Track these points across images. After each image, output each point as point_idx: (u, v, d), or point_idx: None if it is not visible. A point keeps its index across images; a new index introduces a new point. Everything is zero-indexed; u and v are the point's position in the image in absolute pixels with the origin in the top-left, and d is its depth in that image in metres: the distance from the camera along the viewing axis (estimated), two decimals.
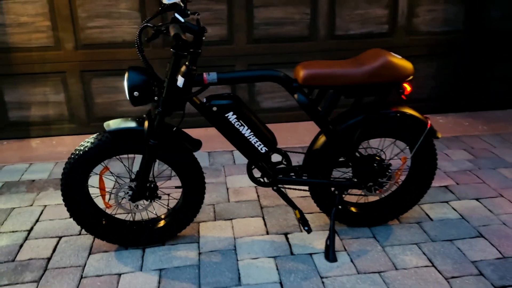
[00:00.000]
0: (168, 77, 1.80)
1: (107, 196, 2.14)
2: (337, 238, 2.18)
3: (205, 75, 1.83)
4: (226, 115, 1.88)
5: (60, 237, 2.22)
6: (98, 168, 2.04)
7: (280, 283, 1.89)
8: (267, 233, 2.23)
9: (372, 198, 2.36)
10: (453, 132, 3.43)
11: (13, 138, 3.40)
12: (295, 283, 1.88)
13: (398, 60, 1.85)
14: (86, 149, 1.88)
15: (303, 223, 2.06)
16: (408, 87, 1.95)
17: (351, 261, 2.02)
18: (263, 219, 2.35)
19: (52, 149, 3.24)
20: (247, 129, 1.92)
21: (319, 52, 3.47)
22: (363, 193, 2.17)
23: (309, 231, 2.07)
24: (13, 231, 2.28)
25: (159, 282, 1.90)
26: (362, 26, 3.47)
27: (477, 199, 2.50)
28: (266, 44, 3.40)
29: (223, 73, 1.84)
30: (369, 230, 2.23)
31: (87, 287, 1.89)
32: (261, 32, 3.38)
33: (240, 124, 1.90)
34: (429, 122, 2.04)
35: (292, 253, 2.07)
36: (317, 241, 2.15)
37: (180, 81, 1.81)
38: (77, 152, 1.89)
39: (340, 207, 2.10)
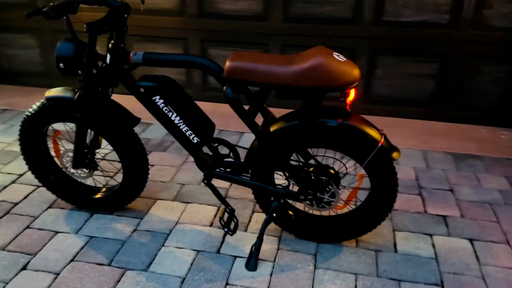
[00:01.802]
0: (86, 53, 1.79)
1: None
2: (273, 246, 2.01)
3: (131, 54, 1.78)
4: (153, 98, 1.82)
5: (38, 187, 2.44)
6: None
7: (184, 279, 1.83)
8: (211, 225, 2.15)
9: (327, 212, 2.12)
10: (510, 152, 2.83)
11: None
12: (197, 283, 1.80)
13: (336, 63, 1.56)
14: (33, 111, 2.01)
15: (225, 224, 1.93)
16: (351, 95, 1.65)
17: (270, 274, 1.85)
18: (218, 209, 2.27)
19: None
20: (176, 116, 1.84)
21: (361, 39, 3.10)
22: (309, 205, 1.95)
23: (231, 233, 1.94)
24: (9, 173, 2.57)
25: (81, 248, 1.99)
26: (417, 13, 2.99)
27: (470, 240, 2.06)
28: (303, 24, 3.16)
29: (150, 53, 1.77)
30: (315, 246, 2.01)
31: (25, 237, 2.06)
32: (298, 10, 3.14)
33: (168, 110, 1.83)
34: (382, 139, 1.71)
35: (218, 251, 1.98)
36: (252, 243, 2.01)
37: (108, 57, 1.79)
38: (27, 113, 2.03)
39: (274, 215, 1.92)
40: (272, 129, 1.79)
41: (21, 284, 1.79)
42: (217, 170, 1.95)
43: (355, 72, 1.59)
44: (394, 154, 1.72)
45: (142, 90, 1.82)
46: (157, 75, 1.85)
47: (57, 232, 2.09)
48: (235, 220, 1.99)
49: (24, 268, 1.88)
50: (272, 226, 2.13)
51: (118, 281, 1.81)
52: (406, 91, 3.21)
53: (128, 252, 1.97)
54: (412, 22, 3.01)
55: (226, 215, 2.16)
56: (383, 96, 3.26)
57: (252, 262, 1.88)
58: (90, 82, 1.83)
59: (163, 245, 2.01)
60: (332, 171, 1.87)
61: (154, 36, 3.42)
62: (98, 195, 2.20)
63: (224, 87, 1.73)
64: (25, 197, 2.35)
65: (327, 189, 1.83)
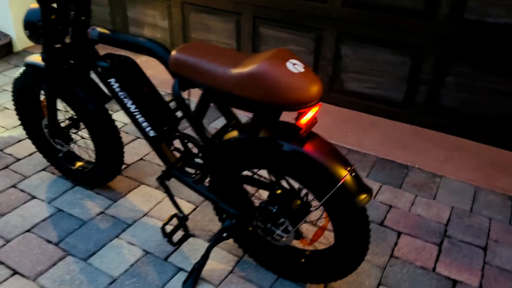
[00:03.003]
0: (42, 23, 1.65)
1: None
2: (225, 267, 1.75)
3: (89, 29, 1.61)
4: (108, 80, 1.64)
5: None
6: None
7: (114, 281, 1.68)
8: None
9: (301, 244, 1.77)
10: None
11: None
12: None
13: (284, 74, 1.20)
14: (18, 76, 1.97)
15: (169, 233, 1.70)
16: (306, 117, 1.28)
17: None
18: (194, 210, 2.06)
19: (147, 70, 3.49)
20: (132, 104, 1.64)
21: (431, 38, 2.54)
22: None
23: (173, 245, 1.71)
24: None
25: (42, 220, 1.96)
26: (508, 13, 2.32)
27: None
28: (366, 11, 2.68)
29: (106, 31, 1.58)
30: (273, 281, 1.70)
31: (5, 195, 2.09)
32: None
33: (124, 96, 1.64)
34: (346, 176, 1.31)
35: (166, 258, 1.79)
36: (210, 259, 1.78)
37: (69, 31, 1.65)
38: (16, 75, 2.01)
39: (225, 235, 1.65)
40: (225, 137, 1.51)
41: None
42: (177, 171, 1.72)
43: (312, 89, 1.22)
44: (361, 198, 1.32)
45: (99, 69, 1.65)
46: (121, 55, 1.66)
47: (33, 198, 2.09)
48: (186, 231, 1.76)
49: None
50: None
51: (54, 265, 1.74)
52: (481, 108, 2.58)
53: (81, 236, 1.88)
54: (500, 25, 2.35)
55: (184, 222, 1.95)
56: (451, 110, 2.67)
57: (190, 281, 1.65)
58: (50, 55, 1.71)
59: (117, 237, 1.89)
60: (298, 201, 1.52)
61: (210, 7, 3.22)
62: (79, 167, 2.14)
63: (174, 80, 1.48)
64: (29, 155, 2.40)
65: (280, 221, 1.50)
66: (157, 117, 1.65)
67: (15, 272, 1.70)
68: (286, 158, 1.37)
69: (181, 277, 1.71)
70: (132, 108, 1.65)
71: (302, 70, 1.23)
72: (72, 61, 1.77)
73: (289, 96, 1.20)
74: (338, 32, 2.81)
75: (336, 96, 3.00)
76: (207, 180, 1.67)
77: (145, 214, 2.01)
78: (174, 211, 2.03)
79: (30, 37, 1.73)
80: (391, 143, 2.63)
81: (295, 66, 1.23)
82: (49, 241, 1.85)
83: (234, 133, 1.48)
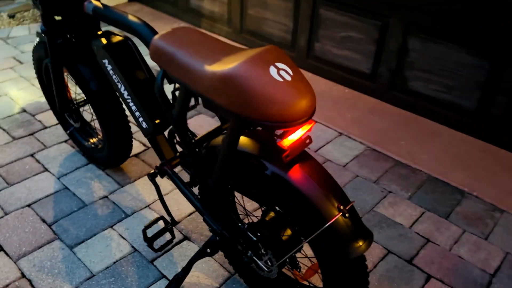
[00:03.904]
0: None
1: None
2: (211, 283, 1.55)
3: (86, 2, 1.43)
4: (103, 61, 1.47)
5: None
6: None
7: (90, 277, 1.56)
8: (175, 225, 1.79)
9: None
10: None
11: (188, 22, 3.66)
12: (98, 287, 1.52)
13: (263, 82, 0.92)
14: (34, 45, 1.88)
15: (150, 237, 1.48)
16: (290, 138, 1.00)
17: None
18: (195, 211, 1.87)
19: None
20: (124, 90, 1.46)
21: None
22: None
23: (154, 250, 1.50)
24: None
25: (46, 196, 1.89)
26: None
27: None
28: (443, 0, 2.24)
29: (101, 6, 1.39)
30: None
31: (20, 163, 2.07)
32: None
33: (117, 80, 1.46)
34: (337, 217, 1.02)
35: (152, 261, 1.63)
36: (199, 271, 1.60)
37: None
38: (34, 44, 1.92)
39: (208, 250, 1.43)
40: (212, 143, 1.27)
41: None
42: (170, 169, 1.53)
43: (299, 103, 0.93)
44: (355, 245, 1.03)
45: (94, 48, 1.49)
46: (119, 35, 1.48)
47: (45, 170, 2.04)
48: (172, 237, 1.58)
49: None
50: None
51: (39, 248, 1.66)
52: None
53: (76, 219, 1.79)
54: None
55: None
56: None
57: None
58: (50, 27, 1.57)
59: (111, 227, 1.76)
60: (289, 230, 1.26)
61: None
62: (92, 144, 2.04)
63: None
64: (56, 124, 2.36)
65: (261, 251, 1.25)
66: (150, 108, 1.46)
67: (1, 249, 1.65)
68: (267, 181, 1.11)
69: (161, 285, 1.54)
70: (125, 94, 1.48)
71: (288, 78, 0.95)
72: (72, 36, 1.63)
73: (266, 110, 0.93)
74: (408, 21, 2.40)
75: (396, 95, 2.60)
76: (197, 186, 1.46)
77: (147, 206, 1.87)
78: (176, 207, 1.86)
79: (34, 4, 1.61)
80: (450, 160, 2.21)
81: (280, 72, 0.95)
82: (43, 221, 1.77)
83: (219, 139, 1.25)
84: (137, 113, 1.48)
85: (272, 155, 1.10)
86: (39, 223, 1.76)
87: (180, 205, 1.87)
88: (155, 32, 1.29)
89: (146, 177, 2.02)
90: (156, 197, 1.91)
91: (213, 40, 1.14)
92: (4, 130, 2.30)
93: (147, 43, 1.27)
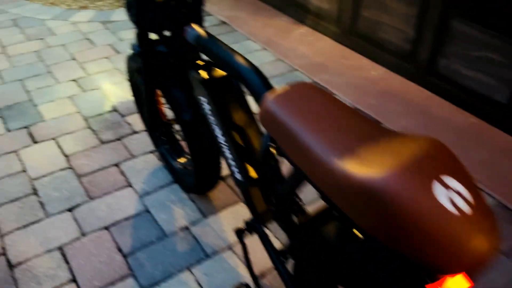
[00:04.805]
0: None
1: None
2: None
3: (188, 27, 1.19)
4: (199, 97, 1.23)
5: None
6: None
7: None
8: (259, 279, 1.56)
9: None
10: None
11: (291, 16, 3.35)
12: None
13: (431, 214, 0.61)
14: (128, 55, 1.70)
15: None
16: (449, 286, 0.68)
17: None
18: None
19: (300, 46, 3.03)
20: (221, 135, 1.22)
21: None
22: None
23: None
24: None
25: (127, 217, 1.75)
26: None
27: None
28: None
29: (206, 36, 1.14)
30: None
31: (105, 174, 1.95)
32: None
33: (214, 122, 1.22)
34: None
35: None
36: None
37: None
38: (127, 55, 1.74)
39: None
40: (321, 228, 0.99)
41: (48, 227, 1.71)
42: (261, 227, 1.29)
43: (477, 248, 0.62)
44: None
45: (191, 79, 1.26)
46: (223, 75, 1.22)
47: (129, 186, 1.91)
48: None
49: (70, 209, 1.78)
50: None
51: (111, 284, 1.52)
52: None
53: (153, 254, 1.63)
54: None
55: None
56: None
57: None
58: (145, 46, 1.36)
59: (189, 269, 1.58)
60: None
61: None
62: (179, 164, 1.86)
63: None
64: (144, 130, 2.22)
65: None
66: (250, 163, 1.21)
67: (73, 280, 1.53)
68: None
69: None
70: (221, 139, 1.24)
71: (466, 208, 0.63)
72: (168, 58, 1.41)
73: (425, 249, 0.63)
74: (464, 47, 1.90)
75: None
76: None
77: (230, 248, 1.65)
78: (262, 254, 1.63)
79: (130, 18, 1.41)
80: None
81: (449, 192, 0.64)
82: (120, 250, 1.64)
83: (333, 228, 0.96)
84: (232, 162, 1.24)
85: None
86: (115, 253, 1.62)
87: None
88: (268, 85, 1.01)
89: (231, 208, 1.80)
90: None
91: (343, 110, 0.85)
92: (93, 131, 2.21)
93: (256, 97, 1.01)
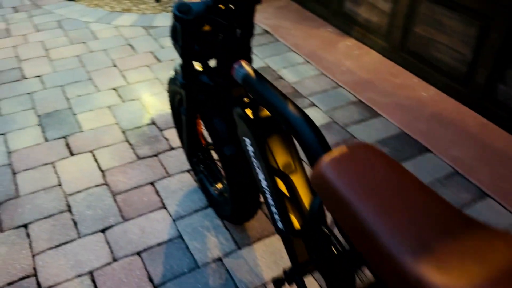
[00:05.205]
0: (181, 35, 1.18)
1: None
2: None
3: (236, 64, 1.10)
4: (243, 137, 1.14)
5: None
6: None
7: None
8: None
9: None
10: None
11: (337, 27, 3.22)
12: None
13: None
14: (170, 77, 1.63)
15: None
16: None
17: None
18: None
19: (345, 60, 2.90)
20: (264, 180, 1.13)
21: None
22: None
23: None
24: None
25: (160, 243, 1.69)
26: None
27: None
28: None
29: (255, 76, 1.05)
30: None
31: (140, 193, 1.90)
32: None
33: (257, 166, 1.13)
34: None
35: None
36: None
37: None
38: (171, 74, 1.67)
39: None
40: None
41: (80, 248, 1.68)
42: (300, 277, 1.19)
43: None
44: None
45: (236, 116, 1.17)
46: (270, 117, 1.13)
47: (163, 207, 1.85)
48: None
49: (103, 230, 1.74)
50: None
51: None
52: None
53: (184, 286, 1.56)
54: None
55: None
56: None
57: None
58: (189, 81, 1.28)
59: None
60: None
61: (452, 0, 2.36)
62: (216, 189, 1.79)
63: None
64: (180, 147, 2.16)
65: None
66: (294, 213, 1.11)
67: None
68: None
69: None
70: (264, 185, 1.15)
71: None
72: (212, 91, 1.33)
73: None
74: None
75: None
76: None
77: (264, 286, 1.57)
78: None
79: (176, 49, 1.33)
80: None
81: None
82: (150, 279, 1.58)
83: None
84: (274, 210, 1.15)
85: None
86: (145, 282, 1.57)
87: None
88: (325, 146, 0.90)
89: (267, 241, 1.72)
90: (275, 273, 1.60)
91: (411, 183, 0.74)
92: (130, 145, 2.17)
93: (309, 157, 0.91)
